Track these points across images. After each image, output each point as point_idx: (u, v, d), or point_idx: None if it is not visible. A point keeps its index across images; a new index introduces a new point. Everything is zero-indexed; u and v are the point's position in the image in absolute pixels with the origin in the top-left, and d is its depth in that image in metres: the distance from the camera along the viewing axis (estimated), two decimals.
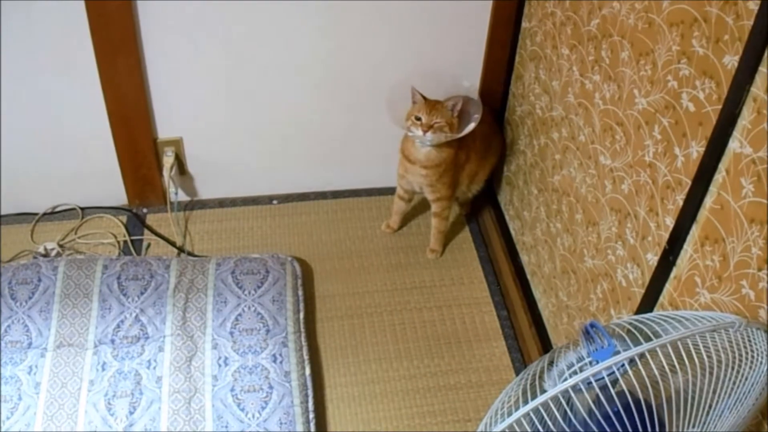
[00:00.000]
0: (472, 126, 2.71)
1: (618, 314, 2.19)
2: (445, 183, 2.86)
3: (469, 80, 2.98)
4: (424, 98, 2.70)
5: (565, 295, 2.55)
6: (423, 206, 3.20)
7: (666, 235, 1.88)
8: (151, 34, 2.68)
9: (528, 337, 2.81)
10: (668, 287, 1.87)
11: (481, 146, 2.92)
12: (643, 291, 2.02)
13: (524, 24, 2.77)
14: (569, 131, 2.39)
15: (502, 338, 2.84)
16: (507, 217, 3.14)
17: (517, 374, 2.72)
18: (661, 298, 1.91)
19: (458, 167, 2.86)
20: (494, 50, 2.95)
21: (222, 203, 3.25)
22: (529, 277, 2.91)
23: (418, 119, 2.66)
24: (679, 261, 1.82)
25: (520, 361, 2.77)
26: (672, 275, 1.85)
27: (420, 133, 2.65)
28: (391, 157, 2.99)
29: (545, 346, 2.70)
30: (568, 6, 2.34)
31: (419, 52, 2.92)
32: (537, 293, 2.83)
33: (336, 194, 3.35)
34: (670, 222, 1.86)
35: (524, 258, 2.95)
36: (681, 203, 1.80)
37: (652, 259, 1.97)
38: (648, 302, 1.98)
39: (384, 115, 2.83)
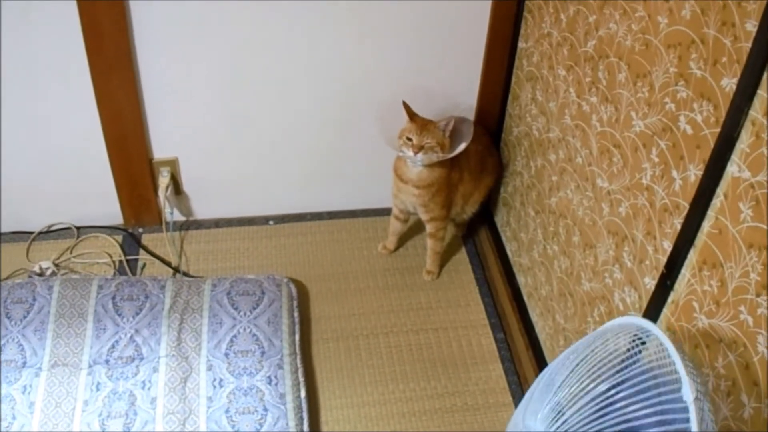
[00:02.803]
0: (463, 146, 2.71)
1: (616, 340, 2.15)
2: (438, 203, 2.85)
3: (466, 100, 3.00)
4: (415, 117, 2.69)
5: (562, 317, 2.54)
6: (419, 227, 3.19)
7: (664, 259, 1.87)
8: (146, 53, 2.67)
9: (525, 360, 2.79)
10: (666, 312, 1.86)
11: (476, 166, 2.91)
12: (640, 315, 1.98)
13: (521, 44, 2.76)
14: (566, 153, 2.39)
15: (499, 361, 2.82)
16: (504, 239, 3.12)
17: (513, 397, 2.70)
18: (658, 324, 1.88)
19: (451, 187, 2.86)
20: (491, 70, 2.95)
21: (218, 223, 3.24)
22: (525, 299, 2.89)
23: (410, 140, 2.64)
24: (676, 286, 1.81)
25: (517, 384, 2.75)
26: (669, 300, 1.84)
27: (411, 153, 2.64)
28: (388, 177, 2.96)
29: (542, 369, 2.66)
30: (564, 27, 2.34)
31: (416, 71, 2.92)
32: (534, 315, 2.82)
33: (332, 215, 3.33)
34: (668, 246, 1.85)
35: (521, 280, 2.93)
36: (679, 227, 1.79)
37: (650, 283, 1.95)
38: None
39: (377, 136, 2.88)
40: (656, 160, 1.88)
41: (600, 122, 2.14)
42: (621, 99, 2.02)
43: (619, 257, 2.12)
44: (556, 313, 2.59)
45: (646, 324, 1.51)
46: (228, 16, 2.63)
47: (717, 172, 1.61)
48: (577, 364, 1.55)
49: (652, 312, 1.94)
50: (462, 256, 3.19)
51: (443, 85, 2.96)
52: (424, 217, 2.91)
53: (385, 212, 3.24)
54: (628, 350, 1.55)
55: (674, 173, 1.80)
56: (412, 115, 2.69)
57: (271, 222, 3.26)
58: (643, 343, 1.54)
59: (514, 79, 2.88)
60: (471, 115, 2.95)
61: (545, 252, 2.64)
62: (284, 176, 3.19)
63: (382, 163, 3.04)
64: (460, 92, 2.98)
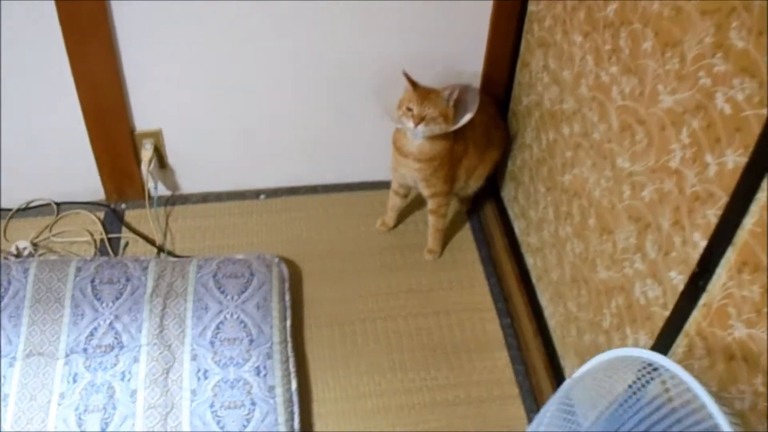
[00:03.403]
0: (468, 117, 2.51)
1: (634, 334, 1.99)
2: (441, 177, 2.65)
3: (471, 66, 2.78)
4: (417, 86, 2.48)
5: (575, 305, 2.34)
6: (420, 202, 2.98)
7: (694, 253, 1.67)
8: (124, 18, 2.46)
9: (533, 348, 2.61)
10: (696, 315, 1.67)
11: (481, 139, 2.70)
12: (665, 313, 1.81)
13: (531, 7, 2.54)
14: (582, 127, 2.17)
15: (505, 348, 2.63)
16: (511, 215, 2.92)
17: (520, 389, 2.53)
18: (686, 326, 1.71)
19: (455, 161, 2.66)
20: (498, 34, 2.73)
21: (205, 198, 3.04)
22: (534, 281, 2.70)
23: (410, 110, 2.43)
24: (710, 287, 1.61)
25: (524, 374, 2.57)
26: (701, 302, 1.65)
27: (411, 125, 2.44)
28: (387, 149, 2.76)
29: (551, 358, 2.50)
30: None
31: (417, 35, 2.71)
32: (543, 300, 2.63)
33: (327, 189, 3.13)
34: (698, 238, 1.65)
35: (529, 260, 2.73)
36: (712, 219, 1.59)
37: (677, 278, 1.76)
38: (672, 328, 1.77)
39: (375, 103, 2.69)
40: (687, 141, 1.67)
41: (621, 95, 1.93)
42: (646, 70, 1.81)
43: (641, 246, 1.92)
44: (568, 300, 2.39)
45: (669, 364, 1.31)
46: None
47: (762, 162, 1.40)
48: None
49: (681, 313, 1.74)
50: (466, 234, 2.99)
51: (446, 49, 2.75)
52: (425, 192, 2.70)
53: (384, 186, 3.03)
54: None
55: (708, 157, 1.60)
56: (413, 84, 2.48)
57: (262, 196, 3.06)
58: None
59: (523, 45, 2.66)
60: (476, 83, 2.72)
61: (557, 233, 2.44)
62: (276, 147, 2.99)
63: (381, 133, 2.83)
64: (464, 58, 2.77)
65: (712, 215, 1.60)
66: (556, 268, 2.48)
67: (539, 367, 2.54)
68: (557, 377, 2.47)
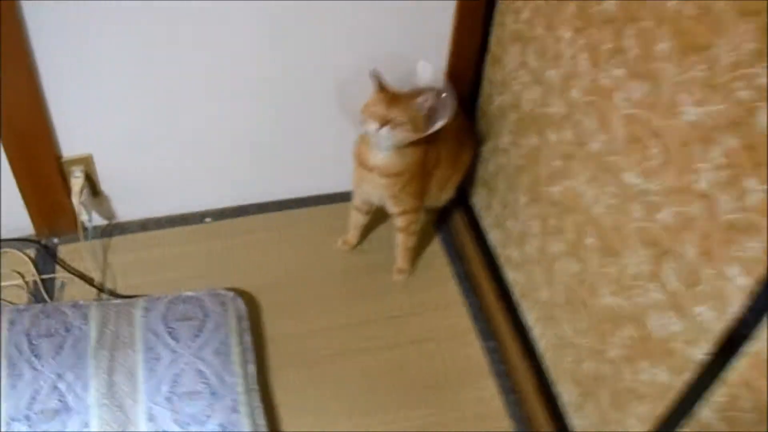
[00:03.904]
0: (440, 124, 2.23)
1: (652, 368, 1.77)
2: (411, 193, 2.38)
3: (433, 62, 2.46)
4: (385, 88, 2.21)
5: (571, 329, 2.11)
6: (384, 215, 2.68)
7: (728, 288, 1.44)
8: (43, 35, 2.16)
9: (521, 371, 2.38)
10: (740, 363, 1.45)
11: (454, 145, 2.46)
12: (692, 351, 1.60)
13: None
14: (575, 134, 1.93)
15: (492, 375, 2.40)
16: (484, 225, 2.66)
17: (513, 420, 2.32)
18: (726, 374, 1.49)
19: (426, 174, 2.39)
20: (464, 26, 2.46)
21: (145, 226, 2.74)
22: (517, 298, 2.46)
23: (374, 112, 2.15)
24: (758, 333, 1.39)
25: (515, 403, 2.33)
26: (747, 348, 1.42)
27: (373, 127, 2.14)
28: (343, 157, 2.50)
29: (543, 383, 2.27)
30: None
31: (374, 34, 2.44)
32: (529, 319, 2.41)
33: (280, 205, 2.84)
34: (735, 273, 1.42)
35: (510, 275, 2.48)
36: (755, 252, 1.36)
37: (705, 313, 1.54)
38: (704, 373, 1.57)
39: (333, 108, 2.42)
40: (720, 161, 1.43)
41: (628, 102, 1.68)
42: (662, 76, 1.56)
43: (657, 274, 1.69)
44: (562, 322, 2.17)
45: None
46: None
47: None
48: None
49: (717, 357, 1.52)
50: (436, 247, 2.73)
51: (407, 46, 2.47)
52: (393, 210, 2.44)
53: (343, 198, 2.76)
54: None
55: (748, 183, 1.36)
56: (381, 86, 2.20)
57: (207, 219, 2.76)
58: None
59: (493, 38, 2.39)
60: (440, 80, 2.44)
61: (544, 249, 2.20)
62: (220, 164, 2.69)
63: (336, 140, 2.59)
64: (426, 52, 2.47)
65: (756, 248, 1.36)
66: (544, 287, 2.23)
67: (530, 395, 2.30)
68: (551, 405, 2.25)
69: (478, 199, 2.70)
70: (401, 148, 2.25)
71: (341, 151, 2.53)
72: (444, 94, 2.30)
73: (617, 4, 1.67)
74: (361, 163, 2.33)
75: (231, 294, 2.42)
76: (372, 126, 2.15)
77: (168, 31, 2.26)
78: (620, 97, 1.71)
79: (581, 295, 2.03)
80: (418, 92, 2.20)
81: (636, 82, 1.65)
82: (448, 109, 2.25)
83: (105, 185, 2.61)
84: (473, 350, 2.45)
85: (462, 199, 2.74)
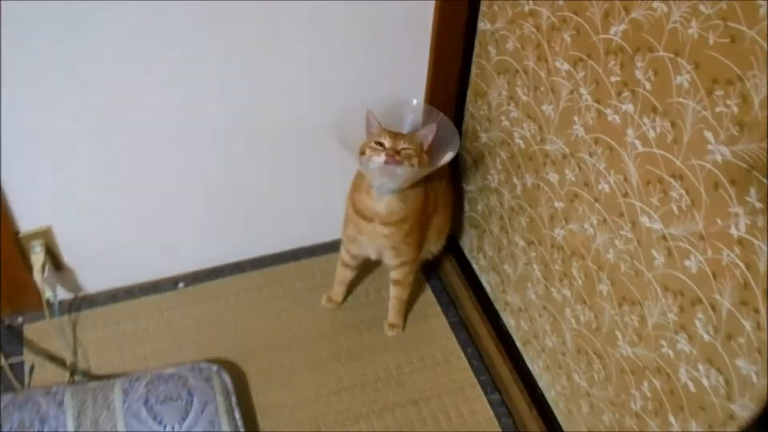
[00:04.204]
0: (449, 156, 2.07)
1: (683, 423, 1.62)
2: (412, 243, 2.22)
3: (409, 97, 2.30)
4: (383, 127, 2.04)
5: (585, 380, 1.96)
6: (368, 267, 2.54)
7: None
8: None
9: (529, 422, 2.21)
10: None
11: (448, 187, 2.32)
12: (732, 407, 1.44)
13: (482, 25, 2.09)
14: (580, 175, 1.77)
15: (501, 430, 2.18)
16: (476, 268, 2.50)
17: None
18: None
19: (426, 220, 2.24)
20: (442, 59, 2.30)
21: (115, 297, 2.54)
22: (520, 345, 2.30)
23: (380, 144, 1.99)
24: None
25: None
26: None
27: (380, 161, 1.96)
28: (321, 208, 2.42)
29: None
30: (562, 5, 1.69)
31: (347, 77, 2.28)
32: (535, 367, 2.26)
33: (256, 264, 2.66)
34: None
35: (510, 322, 2.33)
36: None
37: (747, 369, 1.40)
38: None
39: (307, 157, 2.33)
40: (758, 206, 1.25)
41: (643, 140, 1.52)
42: (683, 112, 1.40)
43: (686, 325, 1.55)
44: (573, 371, 2.02)
45: None
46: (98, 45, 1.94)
47: None
48: None
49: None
50: (428, 296, 2.57)
51: (379, 79, 2.31)
52: (392, 262, 2.28)
53: (324, 250, 2.63)
54: None
55: None
56: (380, 125, 2.05)
57: (181, 284, 2.57)
58: None
59: (475, 71, 2.22)
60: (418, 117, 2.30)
61: (549, 295, 2.05)
62: (189, 224, 2.50)
63: (313, 190, 2.48)
64: (401, 87, 2.33)
65: None
66: (550, 335, 2.07)
67: None
68: None
69: (468, 241, 2.54)
70: (404, 191, 2.08)
71: (318, 202, 2.43)
72: (443, 125, 2.14)
73: (624, 32, 1.51)
74: (359, 213, 2.15)
75: (215, 367, 2.23)
76: (378, 160, 1.97)
77: (129, 90, 2.09)
78: (632, 134, 1.55)
79: (595, 345, 1.88)
80: (419, 130, 2.06)
81: (652, 118, 1.49)
82: (455, 141, 2.10)
83: (68, 257, 2.41)
84: (478, 404, 2.30)
85: (450, 241, 2.56)
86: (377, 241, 2.18)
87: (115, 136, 2.16)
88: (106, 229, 2.39)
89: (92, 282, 2.52)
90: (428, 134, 2.03)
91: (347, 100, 2.15)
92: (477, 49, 2.20)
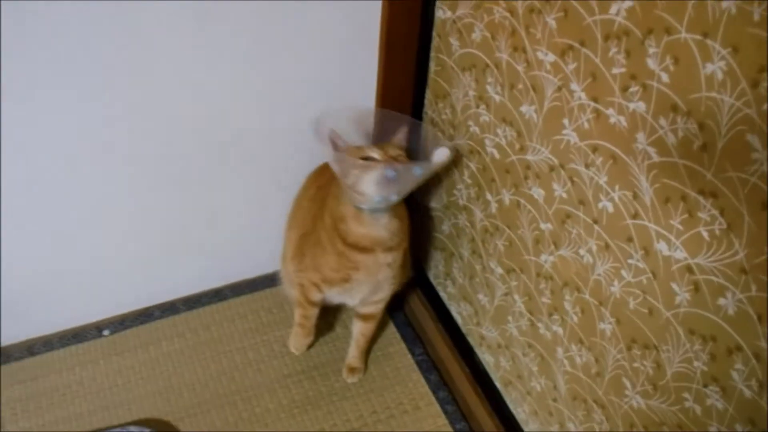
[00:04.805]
0: (445, 153, 1.77)
1: None
2: (404, 266, 1.93)
3: (360, 101, 2.02)
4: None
5: (583, 430, 1.63)
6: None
7: None
8: None
9: None
10: None
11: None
12: None
13: (440, 13, 1.76)
14: (573, 191, 1.45)
15: None
16: (444, 296, 2.16)
17: None
18: None
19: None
20: (394, 56, 1.96)
21: (31, 349, 2.18)
22: (500, 386, 1.98)
23: (369, 158, 1.68)
24: None
25: None
26: None
27: (380, 170, 1.65)
28: (261, 235, 2.12)
29: None
30: None
31: (278, 79, 1.93)
32: (519, 411, 1.95)
33: (189, 303, 2.30)
34: None
35: (487, 358, 2.02)
36: None
37: None
38: None
39: (242, 182, 2.05)
40: None
41: (659, 147, 1.21)
42: (715, 111, 1.12)
43: (720, 376, 1.23)
44: (568, 420, 1.72)
45: None
46: None
47: None
48: None
49: None
50: (390, 331, 2.24)
51: (324, 83, 1.97)
52: (380, 295, 1.97)
53: (266, 282, 2.30)
54: None
55: None
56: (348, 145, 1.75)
57: (105, 332, 2.21)
58: None
59: (435, 68, 1.88)
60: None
61: (534, 331, 1.74)
62: (111, 262, 2.14)
63: (249, 216, 2.16)
64: (347, 90, 2.01)
65: None
66: (537, 377, 1.76)
67: None
68: None
69: (433, 266, 2.21)
70: (395, 206, 1.77)
71: (257, 228, 2.15)
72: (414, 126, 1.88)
73: (631, 11, 1.17)
74: (353, 246, 1.79)
75: (146, 431, 1.87)
76: (375, 173, 1.64)
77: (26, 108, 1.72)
78: (644, 140, 1.22)
79: (595, 393, 1.58)
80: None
81: (670, 120, 1.15)
82: (436, 138, 1.83)
83: None
84: None
85: (413, 267, 2.21)
86: (378, 275, 1.85)
87: (15, 162, 1.80)
88: (15, 274, 2.03)
89: (5, 333, 2.16)
90: (403, 137, 1.77)
91: (279, 113, 1.90)
92: (435, 41, 1.86)
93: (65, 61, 1.63)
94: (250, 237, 2.19)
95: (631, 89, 1.24)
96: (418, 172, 1.67)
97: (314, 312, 1.99)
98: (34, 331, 2.21)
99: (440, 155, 1.76)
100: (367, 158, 1.68)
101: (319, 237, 1.83)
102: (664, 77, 1.16)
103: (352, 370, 2.11)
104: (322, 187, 1.89)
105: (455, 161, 1.89)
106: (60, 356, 2.17)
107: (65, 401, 2.06)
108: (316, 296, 1.93)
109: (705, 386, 1.27)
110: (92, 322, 2.25)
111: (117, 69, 1.70)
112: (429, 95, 1.97)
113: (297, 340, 2.04)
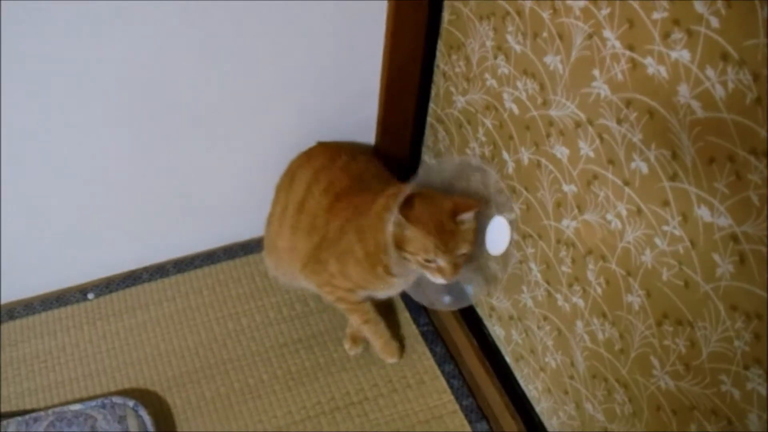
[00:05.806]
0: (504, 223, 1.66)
1: None
2: None
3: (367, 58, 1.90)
4: (415, 213, 1.58)
5: (602, 412, 1.56)
6: None
7: None
8: None
9: None
10: None
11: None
12: None
13: None
14: (601, 149, 1.35)
15: None
16: None
17: None
18: None
19: None
20: (403, 5, 1.81)
21: (12, 313, 2.06)
22: (510, 360, 1.85)
23: (430, 262, 1.58)
24: None
25: None
26: None
27: (442, 281, 1.59)
28: (256, 195, 1.96)
29: None
30: None
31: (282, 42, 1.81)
32: (531, 388, 1.83)
33: (179, 265, 2.17)
34: None
35: (497, 331, 1.90)
36: None
37: None
38: None
39: (236, 141, 1.93)
40: None
41: (705, 101, 1.10)
42: None
43: (764, 358, 1.11)
44: (585, 400, 1.60)
45: None
46: None
47: None
48: None
49: None
50: (392, 298, 2.06)
51: (326, 47, 1.86)
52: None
53: (260, 246, 2.13)
54: None
55: None
56: (408, 215, 1.59)
57: (91, 294, 2.09)
58: None
59: (449, 17, 1.80)
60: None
61: (551, 303, 1.63)
62: (99, 220, 2.01)
63: (243, 176, 2.05)
64: (352, 50, 1.90)
65: None
66: (553, 352, 1.64)
67: None
68: None
69: None
70: None
71: (252, 189, 2.03)
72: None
73: None
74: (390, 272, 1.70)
75: (131, 402, 1.80)
76: (438, 280, 1.61)
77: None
78: (688, 93, 1.08)
79: (618, 371, 1.46)
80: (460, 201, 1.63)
81: (719, 70, 1.02)
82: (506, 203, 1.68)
83: None
84: None
85: None
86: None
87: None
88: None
89: None
90: (472, 217, 1.61)
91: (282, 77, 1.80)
92: None
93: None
94: (244, 197, 2.07)
95: (673, 36, 1.10)
96: (470, 292, 1.69)
97: (368, 306, 1.89)
98: (14, 294, 2.09)
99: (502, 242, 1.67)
100: (428, 261, 1.58)
101: (350, 248, 1.73)
102: (714, 22, 1.02)
103: (354, 341, 1.98)
104: (340, 196, 1.78)
105: (468, 119, 1.76)
106: (41, 320, 2.05)
107: (46, 368, 1.95)
108: (357, 296, 1.84)
109: (746, 368, 1.15)
110: (76, 284, 2.14)
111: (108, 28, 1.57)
112: (441, 47, 1.84)
113: (382, 344, 1.95)
